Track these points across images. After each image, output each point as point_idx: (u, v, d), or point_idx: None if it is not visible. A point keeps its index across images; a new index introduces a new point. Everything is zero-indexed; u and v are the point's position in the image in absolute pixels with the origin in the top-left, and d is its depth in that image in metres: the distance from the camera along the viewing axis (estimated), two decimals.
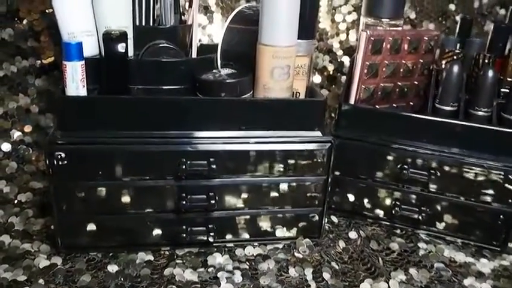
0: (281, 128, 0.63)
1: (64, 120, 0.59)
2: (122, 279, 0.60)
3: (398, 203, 0.72)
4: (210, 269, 0.63)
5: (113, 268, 0.62)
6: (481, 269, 0.67)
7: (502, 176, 0.67)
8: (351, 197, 0.75)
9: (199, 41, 0.88)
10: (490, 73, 0.67)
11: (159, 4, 0.66)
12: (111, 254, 0.64)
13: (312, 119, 0.64)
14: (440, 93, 0.70)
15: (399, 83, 0.75)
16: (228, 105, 0.61)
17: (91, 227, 0.62)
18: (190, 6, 0.70)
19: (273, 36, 0.60)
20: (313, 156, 0.65)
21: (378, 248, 0.70)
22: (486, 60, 0.73)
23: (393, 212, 0.72)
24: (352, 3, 0.94)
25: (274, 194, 0.66)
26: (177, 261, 0.64)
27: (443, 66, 0.74)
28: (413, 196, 0.72)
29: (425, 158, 0.69)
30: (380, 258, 0.67)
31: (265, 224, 0.67)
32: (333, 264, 0.66)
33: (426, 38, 0.73)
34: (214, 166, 0.61)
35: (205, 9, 0.88)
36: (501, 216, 0.69)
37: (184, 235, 0.64)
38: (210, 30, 0.89)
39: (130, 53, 0.64)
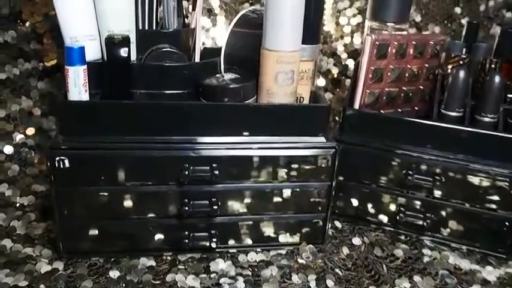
0: (285, 134, 0.63)
1: (66, 125, 0.59)
2: (124, 285, 0.60)
3: (402, 209, 0.72)
4: (212, 275, 0.63)
5: (114, 274, 0.61)
6: (487, 277, 0.66)
7: (507, 183, 0.66)
8: (355, 202, 0.74)
9: (203, 44, 0.87)
10: (497, 79, 0.66)
11: (162, 7, 0.66)
12: (113, 259, 0.64)
13: (316, 124, 0.64)
14: (446, 98, 0.70)
15: (404, 88, 0.74)
16: (231, 111, 0.61)
17: (93, 232, 0.62)
18: (193, 9, 0.70)
19: (277, 41, 0.59)
20: (317, 162, 0.64)
21: (382, 255, 0.69)
22: (493, 66, 0.72)
23: (397, 218, 0.71)
24: (357, 6, 0.93)
25: (277, 199, 0.65)
26: (179, 267, 0.64)
27: (449, 71, 0.73)
28: (418, 202, 0.71)
29: (430, 164, 0.69)
30: (384, 265, 0.67)
31: (268, 230, 0.67)
32: (337, 271, 0.65)
33: (432, 43, 0.72)
34: (217, 172, 0.60)
35: (209, 12, 0.87)
36: (507, 223, 0.68)
37: (187, 241, 0.63)
38: (213, 33, 0.88)
39: (133, 57, 0.63)
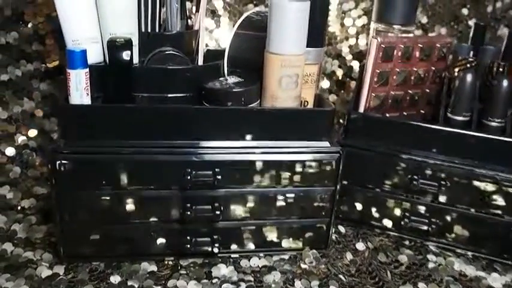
0: (288, 138, 0.62)
1: (68, 129, 0.58)
2: None
3: (407, 213, 0.71)
4: (214, 281, 0.62)
5: (115, 279, 0.61)
6: (492, 284, 0.65)
7: None
8: (359, 207, 0.73)
9: (206, 45, 0.86)
10: (505, 83, 0.65)
11: (165, 9, 0.65)
12: (114, 264, 0.63)
13: (320, 128, 0.63)
14: (452, 102, 0.68)
15: (410, 91, 0.73)
16: (234, 115, 0.60)
17: (94, 236, 0.61)
18: (197, 10, 0.69)
19: (281, 44, 0.59)
20: (321, 167, 0.63)
21: (386, 261, 0.68)
22: (501, 69, 0.71)
23: (402, 223, 0.70)
24: (362, 7, 0.92)
25: (280, 204, 0.64)
26: (181, 272, 0.63)
27: (455, 74, 0.72)
28: (423, 207, 0.70)
29: (435, 169, 0.68)
30: (388, 272, 0.66)
31: (271, 235, 0.66)
32: (340, 277, 0.64)
33: (438, 45, 0.71)
34: (219, 177, 0.59)
35: (213, 13, 0.87)
36: None
37: (189, 246, 0.63)
38: (217, 34, 0.87)
39: (136, 59, 0.63)
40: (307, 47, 0.61)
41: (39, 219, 0.71)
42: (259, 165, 0.61)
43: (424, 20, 0.94)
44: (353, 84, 0.94)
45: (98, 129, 0.58)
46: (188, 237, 0.63)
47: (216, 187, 0.61)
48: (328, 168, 0.63)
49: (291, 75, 0.60)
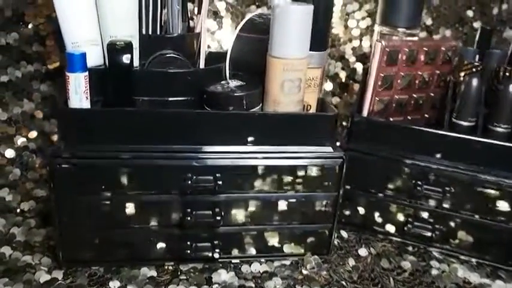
0: (291, 143, 0.61)
1: (67, 133, 0.57)
2: None
3: (410, 219, 0.70)
4: (214, 286, 0.61)
5: (114, 284, 0.60)
6: None
7: None
8: (362, 212, 0.72)
9: (208, 47, 0.85)
10: (511, 88, 0.64)
11: (167, 11, 0.64)
12: (113, 269, 0.63)
13: (323, 133, 0.62)
14: (457, 107, 0.67)
15: (414, 95, 0.72)
16: (236, 119, 0.59)
17: (93, 240, 0.61)
18: (199, 12, 0.68)
19: (283, 48, 0.58)
20: (324, 172, 0.62)
21: (389, 267, 0.67)
22: (507, 74, 0.70)
23: (405, 228, 0.69)
24: (366, 9, 0.91)
25: (282, 209, 0.64)
26: (181, 277, 0.62)
27: (461, 78, 0.71)
28: (427, 212, 0.69)
29: (439, 174, 0.67)
30: (391, 278, 0.65)
31: (272, 240, 0.65)
32: (342, 283, 0.63)
33: (444, 49, 0.70)
34: (220, 182, 0.59)
35: (215, 15, 0.85)
36: None
37: (189, 251, 0.62)
38: (219, 35, 0.86)
39: (136, 62, 0.62)
40: (310, 50, 0.60)
41: (39, 222, 0.70)
42: (260, 170, 0.60)
43: (429, 21, 0.93)
44: (356, 86, 0.93)
45: (97, 133, 0.57)
46: (188, 242, 0.62)
47: (217, 192, 0.60)
48: (331, 173, 0.62)
49: (294, 80, 0.59)
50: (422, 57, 0.69)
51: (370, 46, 0.91)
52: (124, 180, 0.58)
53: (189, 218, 0.59)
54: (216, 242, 0.63)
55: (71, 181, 0.57)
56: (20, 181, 0.78)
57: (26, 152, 0.80)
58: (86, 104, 0.56)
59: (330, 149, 0.62)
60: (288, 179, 0.62)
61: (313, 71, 0.63)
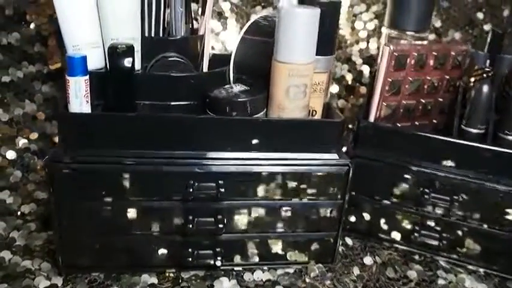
0: (295, 150, 0.60)
1: (67, 137, 0.56)
2: None
3: (417, 227, 0.68)
4: None
5: None
6: None
7: None
8: (367, 219, 0.71)
9: (212, 48, 0.84)
10: None
11: (170, 13, 0.63)
12: (113, 275, 0.62)
13: (329, 140, 0.60)
14: (467, 114, 0.66)
15: (423, 100, 0.70)
16: (239, 125, 0.58)
17: (94, 246, 0.60)
18: (202, 14, 0.66)
19: (289, 53, 0.56)
20: (329, 180, 0.61)
21: (394, 276, 0.66)
22: None
23: (412, 237, 0.68)
24: (374, 10, 0.89)
25: (286, 217, 0.62)
26: (182, 284, 0.61)
27: (471, 84, 0.69)
28: (434, 221, 0.68)
29: (448, 182, 0.65)
30: None
31: (275, 248, 0.64)
32: None
33: (453, 53, 0.68)
34: (223, 190, 0.57)
35: (219, 15, 0.84)
36: None
37: (190, 259, 0.61)
38: (223, 36, 0.85)
39: (138, 66, 0.60)
40: (316, 54, 0.59)
41: (39, 225, 0.69)
42: (264, 177, 0.59)
43: (438, 24, 0.91)
44: (362, 89, 0.91)
45: (98, 137, 0.56)
46: (190, 250, 0.61)
47: (219, 199, 0.59)
48: (336, 181, 0.61)
49: (299, 85, 0.57)
50: (431, 62, 0.67)
51: (378, 48, 0.89)
52: (125, 186, 0.57)
53: (190, 226, 0.58)
54: (218, 250, 0.62)
55: (71, 186, 0.56)
56: (21, 183, 0.77)
57: (27, 153, 0.79)
58: (86, 108, 0.55)
59: (335, 155, 0.61)
60: (292, 186, 0.60)
61: (319, 76, 0.61)
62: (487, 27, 0.91)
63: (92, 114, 0.56)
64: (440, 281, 0.66)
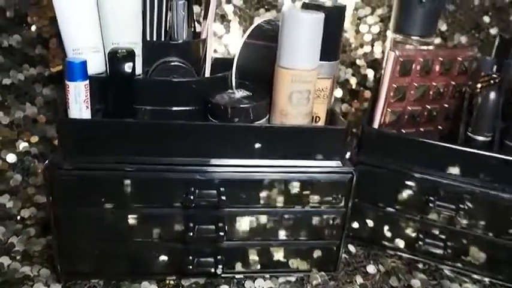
0: (298, 157, 0.59)
1: (66, 143, 0.55)
2: None
3: (421, 235, 0.67)
4: None
5: None
6: None
7: None
8: (370, 226, 0.70)
9: (215, 51, 0.83)
10: None
11: (171, 17, 0.62)
12: (113, 283, 0.61)
13: (332, 148, 0.59)
14: (473, 121, 0.65)
15: (428, 106, 0.69)
16: (241, 132, 0.57)
17: (93, 253, 0.59)
18: (205, 17, 0.66)
19: (292, 58, 0.55)
20: (332, 187, 0.60)
21: (398, 285, 0.65)
22: None
23: (416, 245, 0.67)
24: (379, 13, 0.88)
25: (288, 224, 0.61)
26: None
27: (477, 90, 0.68)
28: (439, 229, 0.67)
29: (453, 190, 0.64)
30: None
31: (277, 255, 0.63)
32: None
33: (460, 59, 0.67)
34: (224, 197, 0.56)
35: (222, 18, 0.83)
36: None
37: (191, 267, 0.60)
38: (226, 40, 0.84)
39: (139, 70, 0.60)
40: (320, 60, 0.58)
41: (39, 230, 0.68)
42: (266, 184, 0.58)
43: (444, 27, 0.90)
44: (367, 93, 0.90)
45: (98, 143, 0.55)
46: (190, 257, 0.60)
47: (221, 207, 0.58)
48: (339, 188, 0.60)
49: (302, 91, 0.56)
50: (437, 68, 0.66)
51: (382, 52, 0.88)
52: (124, 193, 0.56)
53: (191, 234, 0.57)
54: (219, 257, 0.61)
55: (71, 193, 0.55)
56: (21, 187, 0.76)
57: (27, 157, 0.79)
58: (86, 114, 0.54)
59: (339, 163, 0.60)
60: (294, 193, 0.59)
61: (323, 82, 0.60)
62: (493, 31, 0.90)
63: (91, 120, 0.55)
64: None
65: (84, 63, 0.53)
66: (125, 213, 0.57)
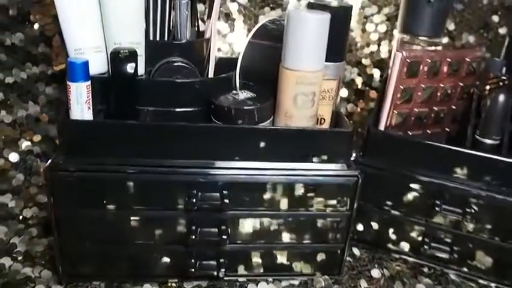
0: (303, 160, 0.58)
1: (67, 145, 0.55)
2: None
3: (427, 239, 0.66)
4: None
5: None
6: None
7: None
8: (375, 229, 0.69)
9: (219, 50, 0.82)
10: None
11: (175, 16, 0.61)
12: (115, 285, 0.60)
13: (337, 151, 0.58)
14: (482, 124, 0.63)
15: (435, 108, 0.68)
16: (244, 134, 0.56)
17: (94, 255, 0.58)
18: (209, 16, 0.65)
19: (297, 60, 0.54)
20: (337, 190, 0.59)
21: None
22: None
23: (422, 249, 0.66)
24: (386, 12, 0.86)
25: (292, 227, 0.60)
26: None
27: (486, 91, 0.67)
28: (445, 233, 0.66)
29: (460, 194, 0.63)
30: None
31: (281, 259, 0.62)
32: None
33: (468, 60, 0.66)
34: (227, 200, 0.56)
35: (227, 17, 0.82)
36: None
37: (193, 269, 0.59)
38: (230, 38, 0.83)
39: (142, 70, 0.59)
40: (326, 61, 0.56)
41: (41, 231, 0.68)
42: (269, 187, 0.57)
43: (452, 26, 0.88)
44: (373, 93, 0.89)
45: (99, 145, 0.55)
46: (193, 260, 0.60)
47: (223, 210, 0.57)
48: (344, 192, 0.59)
49: (307, 93, 0.55)
50: (445, 69, 0.65)
51: (389, 52, 0.87)
52: (126, 195, 0.55)
53: (193, 237, 0.57)
54: (221, 260, 0.60)
55: (72, 194, 0.55)
56: (24, 186, 0.76)
57: (30, 156, 0.78)
58: (87, 115, 0.54)
59: (344, 166, 0.59)
60: (298, 196, 0.58)
61: (328, 83, 0.59)
62: (502, 30, 0.89)
63: (93, 122, 0.54)
64: None
65: (85, 64, 0.52)
66: (127, 215, 0.57)
